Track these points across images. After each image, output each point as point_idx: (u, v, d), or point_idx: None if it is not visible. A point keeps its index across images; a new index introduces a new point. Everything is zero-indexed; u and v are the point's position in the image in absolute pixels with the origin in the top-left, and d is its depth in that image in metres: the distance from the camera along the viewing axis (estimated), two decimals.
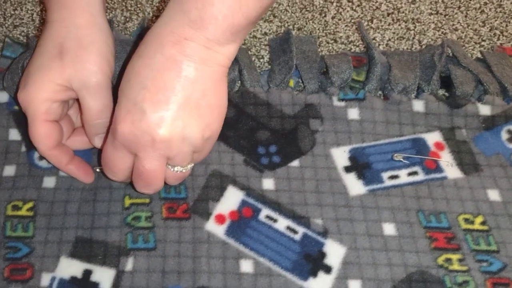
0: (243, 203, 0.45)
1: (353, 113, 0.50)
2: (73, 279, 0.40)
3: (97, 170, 0.45)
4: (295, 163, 0.47)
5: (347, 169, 0.47)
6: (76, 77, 0.41)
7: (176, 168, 0.39)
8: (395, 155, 0.48)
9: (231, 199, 0.45)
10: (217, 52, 0.37)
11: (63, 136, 0.44)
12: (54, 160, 0.43)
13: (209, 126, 0.38)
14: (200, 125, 0.38)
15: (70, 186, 0.44)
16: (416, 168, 0.47)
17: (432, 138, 0.49)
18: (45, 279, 0.40)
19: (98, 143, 0.44)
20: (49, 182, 0.45)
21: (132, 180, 0.40)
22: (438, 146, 0.49)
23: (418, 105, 0.50)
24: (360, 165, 0.47)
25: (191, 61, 0.36)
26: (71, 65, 0.40)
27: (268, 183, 0.46)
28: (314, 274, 0.42)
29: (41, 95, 0.41)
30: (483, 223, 0.45)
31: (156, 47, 0.36)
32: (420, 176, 0.47)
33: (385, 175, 0.47)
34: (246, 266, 0.41)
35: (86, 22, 0.42)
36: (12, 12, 0.57)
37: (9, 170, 0.45)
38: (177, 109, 0.37)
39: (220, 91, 0.38)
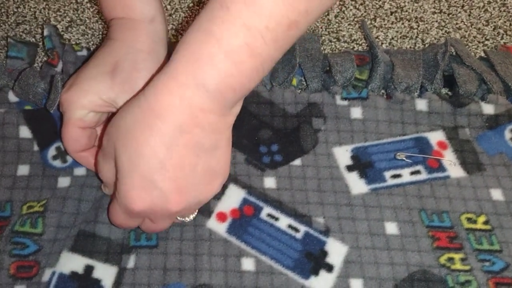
0: (245, 201, 0.45)
1: (356, 112, 0.50)
2: (74, 274, 0.40)
3: (398, 154, 0.45)
4: (297, 162, 0.47)
5: (349, 168, 0.47)
6: (122, 98, 0.41)
7: (181, 218, 0.42)
8: (398, 154, 0.48)
9: (232, 197, 0.45)
10: (229, 115, 0.37)
11: (93, 141, 0.44)
12: (81, 161, 0.44)
13: (219, 185, 0.39)
14: (214, 188, 0.38)
15: (83, 184, 0.44)
16: (418, 167, 0.47)
17: (435, 137, 0.49)
18: (47, 274, 0.40)
19: None
20: (64, 182, 0.45)
21: (140, 227, 0.41)
22: (441, 145, 0.49)
23: (421, 104, 0.50)
24: (362, 164, 0.47)
25: (209, 133, 0.35)
26: (120, 85, 0.41)
27: (269, 182, 0.46)
28: (315, 272, 0.41)
29: (82, 102, 0.41)
30: (486, 222, 0.44)
31: (173, 121, 0.34)
32: (423, 175, 0.47)
33: (387, 174, 0.47)
34: (248, 264, 0.41)
35: (146, 48, 0.42)
36: (15, 10, 0.57)
37: (23, 170, 0.45)
38: (195, 182, 0.36)
39: (229, 147, 0.38)
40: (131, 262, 0.41)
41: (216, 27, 0.33)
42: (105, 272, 0.40)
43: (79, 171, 0.45)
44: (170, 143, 0.35)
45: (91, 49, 0.54)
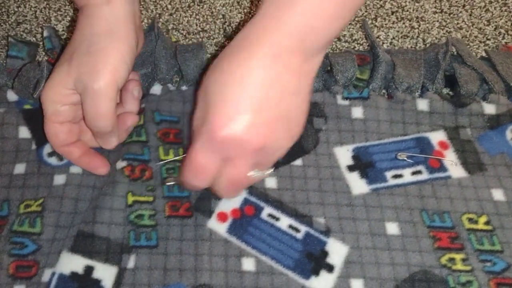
0: (245, 202, 0.45)
1: (357, 112, 0.50)
2: (74, 274, 0.40)
3: (169, 184, 0.45)
4: (298, 162, 0.47)
5: (350, 168, 0.47)
6: (79, 80, 0.41)
7: (256, 173, 0.40)
8: (399, 154, 0.48)
9: (233, 198, 0.45)
10: (313, 63, 0.38)
11: (75, 136, 0.45)
12: (65, 155, 0.45)
13: (294, 137, 0.39)
14: (291, 137, 0.39)
15: (80, 183, 0.44)
16: (420, 167, 0.47)
17: (436, 137, 0.49)
18: (46, 274, 0.40)
19: (101, 143, 0.45)
20: (59, 179, 0.45)
21: (217, 185, 0.40)
22: (442, 145, 0.48)
23: (422, 104, 0.50)
24: (363, 164, 0.47)
25: (291, 73, 0.37)
26: (76, 69, 0.41)
27: (270, 182, 0.46)
28: (316, 273, 0.41)
29: (51, 96, 0.42)
30: (487, 222, 0.44)
31: (259, 56, 0.36)
32: (424, 175, 0.47)
33: (388, 174, 0.47)
34: (248, 264, 0.41)
35: (102, 30, 0.42)
36: (16, 9, 0.57)
37: (20, 168, 0.45)
38: (277, 121, 0.37)
39: (308, 101, 0.39)
40: (131, 262, 0.41)
41: None
42: (105, 273, 0.40)
43: (75, 169, 0.45)
44: (255, 75, 0.36)
45: None
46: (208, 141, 0.37)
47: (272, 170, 0.41)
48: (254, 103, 0.36)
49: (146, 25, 0.56)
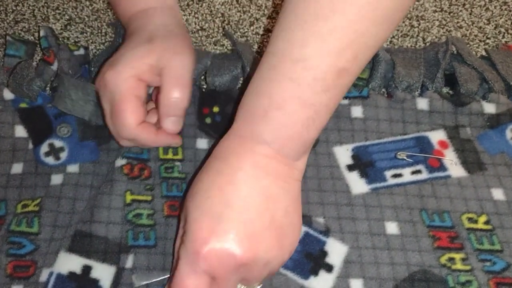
0: None
1: (357, 111, 0.49)
2: (72, 274, 0.40)
3: (399, 153, 0.44)
4: None
5: (350, 168, 0.47)
6: (162, 55, 0.43)
7: (244, 287, 0.38)
8: (399, 153, 0.47)
9: None
10: (294, 168, 0.37)
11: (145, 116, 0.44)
12: (142, 134, 0.43)
13: (287, 247, 0.36)
14: (283, 248, 0.36)
15: (77, 182, 0.44)
16: (419, 167, 0.47)
17: (436, 136, 0.49)
18: (44, 274, 0.40)
19: (169, 125, 0.44)
20: (56, 179, 0.44)
21: None
22: (442, 144, 0.48)
23: (422, 103, 0.50)
24: (363, 164, 0.47)
25: (274, 179, 0.36)
26: (159, 45, 0.43)
27: None
28: (315, 273, 0.41)
29: (131, 72, 0.42)
30: (486, 222, 0.44)
31: (238, 165, 0.36)
32: (424, 175, 0.46)
33: (388, 173, 0.47)
34: None
35: (171, 22, 0.46)
36: (14, 8, 0.57)
37: (17, 168, 0.45)
38: (264, 230, 0.35)
39: (299, 207, 0.38)
40: (129, 262, 0.41)
41: (265, 86, 0.36)
42: (103, 272, 0.40)
43: (72, 168, 0.45)
44: (237, 185, 0.35)
45: (89, 47, 0.53)
46: (192, 261, 0.34)
47: (261, 285, 0.39)
48: (235, 212, 0.34)
49: None
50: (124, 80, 0.42)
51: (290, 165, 0.37)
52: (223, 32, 0.56)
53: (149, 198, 0.44)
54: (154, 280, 0.40)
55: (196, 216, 0.35)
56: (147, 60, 0.42)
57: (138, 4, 0.47)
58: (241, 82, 0.52)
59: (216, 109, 0.49)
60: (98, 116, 0.47)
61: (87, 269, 0.40)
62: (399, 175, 0.46)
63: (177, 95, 0.43)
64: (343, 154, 0.48)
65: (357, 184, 0.46)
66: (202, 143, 0.48)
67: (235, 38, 0.54)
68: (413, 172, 0.47)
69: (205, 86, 0.51)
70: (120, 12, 0.48)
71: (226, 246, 0.34)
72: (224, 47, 0.55)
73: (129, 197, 0.43)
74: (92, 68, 0.49)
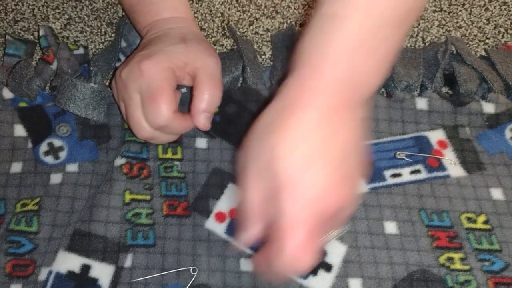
0: None
1: None
2: (71, 273, 0.40)
3: (397, 153, 0.45)
4: None
5: None
6: (199, 57, 0.45)
7: (331, 234, 0.38)
8: (398, 153, 0.47)
9: (231, 197, 0.44)
10: (359, 110, 0.37)
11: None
12: (178, 119, 0.44)
13: (354, 189, 0.37)
14: (351, 188, 0.36)
15: (76, 181, 0.44)
16: (418, 167, 0.47)
17: (435, 136, 0.49)
18: (43, 273, 0.40)
19: (201, 120, 0.45)
20: (56, 178, 0.45)
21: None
22: (441, 144, 0.48)
23: (421, 103, 0.50)
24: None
25: (343, 123, 0.36)
26: (195, 47, 0.45)
27: None
28: (314, 272, 0.41)
29: (169, 64, 0.44)
30: (485, 222, 0.44)
31: (307, 111, 0.35)
32: (423, 175, 0.46)
33: (387, 173, 0.47)
34: (246, 264, 0.41)
35: (196, 30, 0.50)
36: (13, 7, 0.57)
37: (16, 167, 0.45)
38: (337, 169, 0.35)
39: (361, 146, 0.38)
40: (128, 261, 0.41)
41: (329, 25, 0.36)
42: (102, 271, 0.40)
43: (71, 168, 0.45)
44: (308, 129, 0.35)
45: (89, 47, 0.53)
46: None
47: (345, 229, 0.41)
48: (315, 158, 0.34)
49: None
50: (162, 70, 0.43)
51: (354, 109, 0.37)
52: (223, 32, 0.56)
53: (148, 197, 0.44)
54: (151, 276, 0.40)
55: (280, 166, 0.35)
56: (184, 58, 0.44)
57: (163, 12, 0.49)
58: (240, 82, 0.51)
59: (215, 109, 0.49)
60: (100, 114, 0.47)
61: (86, 268, 0.40)
62: (398, 175, 0.46)
63: (212, 92, 0.45)
64: None
65: None
66: (201, 143, 0.48)
67: (238, 35, 0.54)
68: (412, 172, 0.47)
69: None
70: (140, 18, 0.50)
71: (314, 189, 0.34)
72: (224, 47, 0.55)
73: (128, 197, 0.43)
74: (91, 68, 0.49)
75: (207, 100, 0.45)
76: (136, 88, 0.43)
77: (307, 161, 0.34)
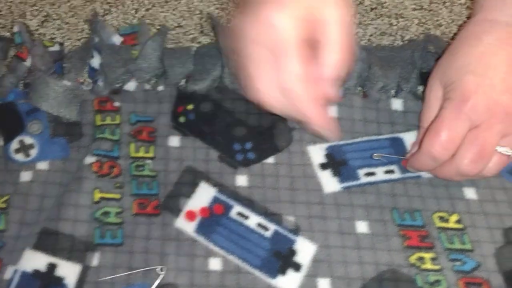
0: (215, 200, 0.44)
1: (332, 111, 0.49)
2: (36, 272, 0.39)
3: (375, 155, 0.46)
4: (270, 160, 0.47)
5: (323, 166, 0.47)
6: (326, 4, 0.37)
7: (504, 149, 0.41)
8: (375, 154, 0.47)
9: (203, 196, 0.44)
10: None
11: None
12: (311, 110, 0.39)
13: None
14: None
15: (46, 179, 0.44)
16: (393, 167, 0.47)
17: (410, 137, 0.48)
18: (9, 272, 0.40)
19: (328, 88, 0.39)
20: (25, 176, 0.44)
21: (461, 157, 0.41)
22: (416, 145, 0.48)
23: (397, 104, 0.50)
24: (336, 162, 0.47)
25: None
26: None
27: (241, 180, 0.45)
28: (283, 271, 0.41)
29: (299, 12, 0.37)
30: (458, 221, 0.44)
31: (489, 41, 0.43)
32: (397, 175, 0.46)
33: (361, 172, 0.46)
34: (215, 264, 0.41)
35: None
36: None
37: None
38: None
39: None
40: (95, 260, 0.40)
41: None
42: (68, 270, 0.40)
43: (42, 166, 0.45)
44: (490, 53, 0.42)
45: (65, 44, 0.53)
46: (458, 109, 0.40)
47: None
48: (495, 72, 0.41)
49: (123, 22, 0.55)
50: (296, 20, 0.37)
51: None
52: (201, 30, 0.55)
53: (118, 196, 0.43)
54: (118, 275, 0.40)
55: (460, 76, 0.42)
56: (297, 11, 0.37)
57: None
58: (219, 81, 0.51)
59: (190, 106, 0.49)
60: (72, 112, 0.47)
61: (52, 267, 0.40)
62: (372, 174, 0.46)
63: (341, 54, 0.38)
64: (317, 153, 0.47)
65: (330, 182, 0.46)
66: (174, 141, 0.47)
67: (219, 26, 0.53)
68: (386, 172, 0.46)
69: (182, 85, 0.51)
70: None
71: (493, 95, 0.40)
72: (201, 44, 0.54)
73: (97, 195, 0.43)
74: (65, 65, 0.49)
75: (334, 65, 0.38)
76: (261, 42, 0.37)
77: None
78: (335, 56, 0.38)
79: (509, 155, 0.42)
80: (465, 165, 0.41)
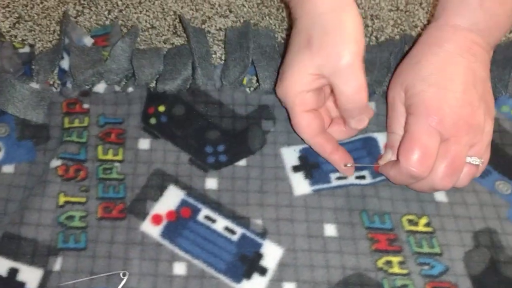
0: (183, 203, 0.44)
1: None
2: None
3: (348, 165, 0.45)
4: (242, 162, 0.46)
5: (296, 169, 0.46)
6: (325, 63, 0.41)
7: (473, 159, 0.42)
8: (348, 165, 0.46)
9: (170, 199, 0.44)
10: (490, 52, 0.45)
11: (324, 124, 0.45)
12: (318, 148, 0.45)
13: (493, 119, 0.43)
14: (491, 118, 0.43)
15: (11, 183, 0.43)
16: (364, 173, 0.46)
17: (384, 138, 0.48)
18: None
19: (354, 124, 0.44)
20: None
21: (435, 171, 0.40)
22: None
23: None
24: (309, 165, 0.46)
25: (479, 62, 0.43)
26: (318, 53, 0.41)
27: (211, 183, 0.45)
28: (248, 276, 0.40)
29: (295, 87, 0.43)
30: (427, 224, 0.43)
31: (454, 50, 0.43)
32: (368, 180, 0.45)
33: (333, 175, 0.46)
34: (179, 268, 0.40)
35: (328, 8, 0.42)
36: None
37: None
38: (479, 100, 0.41)
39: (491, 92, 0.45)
40: (57, 265, 0.40)
41: None
42: (30, 275, 0.39)
43: (7, 169, 0.44)
44: (453, 63, 0.42)
45: (36, 45, 0.53)
46: (426, 124, 0.40)
47: (481, 160, 0.42)
48: (456, 86, 0.41)
49: (96, 23, 0.55)
50: (291, 96, 0.43)
51: (489, 54, 0.44)
52: (174, 31, 0.55)
53: (83, 199, 0.43)
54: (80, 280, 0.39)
55: (423, 87, 0.41)
56: (310, 70, 0.42)
57: None
58: (190, 83, 0.51)
59: (161, 108, 0.48)
60: (39, 114, 0.46)
61: (13, 272, 0.39)
62: (344, 178, 0.46)
63: (355, 102, 0.42)
64: (290, 155, 0.47)
65: (300, 185, 0.45)
66: (144, 144, 0.47)
67: (190, 27, 0.53)
68: (357, 177, 0.46)
69: (153, 86, 0.50)
70: None
71: (456, 109, 0.40)
72: (174, 45, 0.54)
73: (62, 199, 0.43)
74: (33, 66, 0.49)
75: (350, 110, 0.43)
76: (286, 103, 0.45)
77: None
78: (345, 103, 0.42)
79: (478, 165, 0.42)
80: (440, 180, 0.41)
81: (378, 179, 0.45)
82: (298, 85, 0.43)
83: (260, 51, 0.52)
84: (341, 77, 0.41)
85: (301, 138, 0.46)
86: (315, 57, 0.41)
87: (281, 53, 0.52)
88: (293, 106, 0.44)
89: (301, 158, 0.47)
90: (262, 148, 0.47)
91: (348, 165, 0.45)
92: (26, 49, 0.51)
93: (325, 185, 0.45)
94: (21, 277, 0.39)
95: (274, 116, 0.48)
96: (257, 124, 0.48)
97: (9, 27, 0.54)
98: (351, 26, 0.41)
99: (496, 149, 0.47)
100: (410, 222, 0.43)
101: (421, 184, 0.42)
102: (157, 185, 0.44)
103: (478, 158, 0.42)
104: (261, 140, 0.47)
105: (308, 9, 0.43)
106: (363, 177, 0.46)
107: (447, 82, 0.41)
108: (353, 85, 0.41)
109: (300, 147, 0.47)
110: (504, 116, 0.49)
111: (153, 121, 0.48)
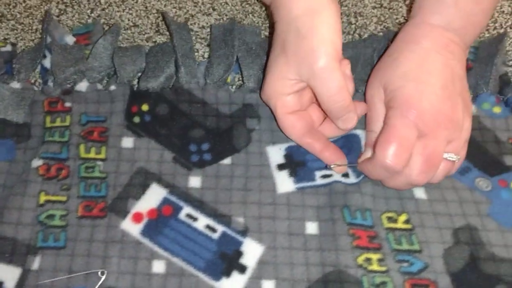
0: (165, 201, 0.44)
1: None
2: None
3: (332, 166, 0.45)
4: (227, 160, 0.46)
5: (280, 167, 0.46)
6: (300, 68, 0.42)
7: (450, 156, 0.42)
8: (332, 165, 0.46)
9: (152, 197, 0.44)
10: (466, 51, 0.45)
11: (313, 123, 0.46)
12: (307, 147, 0.46)
13: (470, 115, 0.43)
14: (469, 114, 0.43)
15: None
16: (348, 171, 0.46)
17: (364, 136, 0.48)
18: None
19: (341, 125, 0.45)
20: None
21: (411, 166, 0.40)
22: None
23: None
24: (294, 163, 0.46)
25: (456, 60, 0.43)
26: (293, 58, 0.42)
27: (194, 181, 0.45)
28: (227, 274, 0.40)
29: (275, 91, 0.44)
30: (406, 221, 0.43)
31: (430, 47, 0.43)
32: (352, 179, 0.45)
33: (318, 173, 0.46)
34: (158, 266, 0.40)
35: (301, 12, 0.42)
36: None
37: None
38: (456, 96, 0.42)
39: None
40: (36, 263, 0.40)
41: None
42: (7, 274, 0.39)
43: None
44: (431, 60, 0.42)
45: (18, 44, 0.52)
46: (405, 117, 0.40)
47: (458, 157, 0.43)
48: (435, 80, 0.41)
49: (78, 22, 0.55)
50: (273, 100, 0.44)
51: (465, 53, 0.45)
52: (157, 29, 0.55)
53: (64, 198, 0.43)
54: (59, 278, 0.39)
55: (403, 82, 0.41)
56: (288, 75, 0.43)
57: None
58: (173, 81, 0.50)
59: (145, 107, 0.48)
60: (20, 114, 0.46)
61: None
62: (329, 176, 0.46)
63: (337, 102, 0.42)
64: (276, 153, 0.47)
65: (284, 183, 0.45)
66: (128, 142, 0.47)
67: (173, 23, 0.52)
68: (343, 175, 0.46)
69: (136, 85, 0.50)
70: None
71: (436, 103, 0.40)
72: (156, 43, 0.54)
73: (43, 198, 0.43)
74: (14, 65, 0.48)
75: (333, 110, 0.43)
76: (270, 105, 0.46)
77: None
78: (328, 105, 0.43)
79: (454, 161, 0.42)
80: (416, 176, 0.41)
81: (361, 177, 0.45)
82: (278, 89, 0.44)
83: (246, 48, 0.52)
84: (319, 79, 0.41)
85: (289, 138, 0.46)
86: (291, 62, 0.42)
87: (266, 51, 0.52)
88: (275, 109, 0.45)
89: (286, 156, 0.47)
90: (247, 146, 0.47)
91: (332, 166, 0.45)
92: (8, 48, 0.51)
93: (309, 183, 0.45)
94: None
95: (259, 114, 0.48)
96: (242, 122, 0.48)
97: None
98: (325, 28, 0.41)
99: (477, 147, 0.47)
100: (390, 219, 0.44)
101: (396, 180, 0.42)
102: (139, 183, 0.44)
103: (455, 154, 0.42)
104: (246, 138, 0.47)
105: (283, 13, 0.43)
106: (347, 175, 0.46)
107: (426, 77, 0.41)
108: (331, 86, 0.41)
109: (286, 145, 0.47)
110: (484, 114, 0.49)
111: (136, 120, 0.48)
